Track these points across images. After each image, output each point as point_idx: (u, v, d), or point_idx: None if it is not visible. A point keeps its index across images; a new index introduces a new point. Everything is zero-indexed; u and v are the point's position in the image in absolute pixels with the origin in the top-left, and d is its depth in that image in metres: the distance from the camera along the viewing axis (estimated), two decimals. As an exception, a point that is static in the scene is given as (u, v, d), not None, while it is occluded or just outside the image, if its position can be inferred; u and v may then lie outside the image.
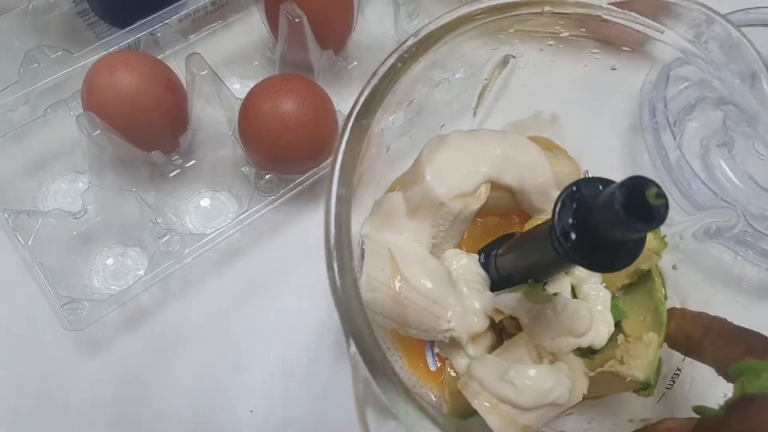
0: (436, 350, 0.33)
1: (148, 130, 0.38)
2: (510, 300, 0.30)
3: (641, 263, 0.34)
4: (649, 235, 0.34)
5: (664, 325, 0.33)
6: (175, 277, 0.39)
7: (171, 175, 0.41)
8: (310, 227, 0.41)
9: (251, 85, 0.44)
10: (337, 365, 0.38)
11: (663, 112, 0.43)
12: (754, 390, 0.24)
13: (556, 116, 0.39)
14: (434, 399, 0.34)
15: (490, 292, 0.32)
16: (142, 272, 0.39)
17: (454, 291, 0.31)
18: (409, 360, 0.34)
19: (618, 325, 0.33)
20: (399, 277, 0.29)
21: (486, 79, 0.36)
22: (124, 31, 0.42)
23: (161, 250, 0.37)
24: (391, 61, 0.26)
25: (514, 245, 0.32)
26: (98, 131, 0.35)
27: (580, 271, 0.34)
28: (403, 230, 0.31)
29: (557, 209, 0.23)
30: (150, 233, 0.38)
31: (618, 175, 0.41)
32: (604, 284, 0.34)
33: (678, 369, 0.33)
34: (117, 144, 0.37)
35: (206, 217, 0.41)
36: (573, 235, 0.23)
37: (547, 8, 0.30)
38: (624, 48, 0.37)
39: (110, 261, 0.40)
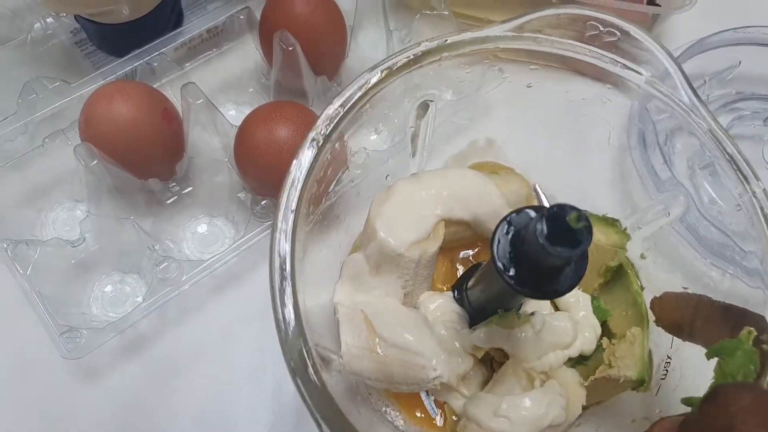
0: (432, 397, 0.33)
1: (145, 158, 0.39)
2: (484, 335, 0.31)
3: (609, 260, 0.34)
4: (610, 230, 0.35)
5: (646, 317, 0.33)
6: (173, 303, 0.39)
7: (168, 202, 0.42)
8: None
9: (246, 111, 0.44)
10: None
11: (652, 131, 0.44)
12: (731, 370, 0.24)
13: (492, 140, 0.41)
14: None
15: (468, 330, 0.32)
16: (140, 299, 0.39)
17: (433, 337, 0.31)
18: (409, 413, 0.34)
19: (604, 324, 0.34)
20: (377, 338, 0.29)
21: (411, 127, 0.37)
22: (121, 60, 0.43)
23: (159, 278, 0.37)
24: (310, 137, 0.29)
25: (478, 278, 0.32)
26: (95, 161, 0.35)
27: None
28: (372, 288, 0.32)
29: (494, 247, 0.24)
30: (148, 260, 0.38)
31: (608, 195, 0.42)
32: (581, 288, 0.35)
33: (668, 357, 0.33)
34: (114, 173, 0.37)
35: (204, 243, 0.42)
36: (513, 270, 0.23)
37: (445, 54, 0.31)
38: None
39: (108, 288, 0.40)
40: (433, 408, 0.34)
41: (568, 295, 0.34)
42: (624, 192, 0.44)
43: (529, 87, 0.41)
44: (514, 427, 0.28)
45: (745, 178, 0.30)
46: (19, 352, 0.38)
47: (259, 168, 0.39)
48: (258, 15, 0.44)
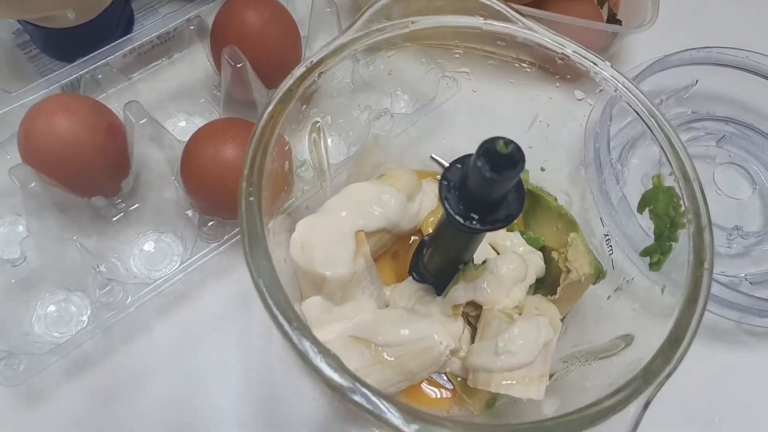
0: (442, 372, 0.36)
1: (89, 176, 0.38)
2: (456, 294, 0.34)
3: None
4: None
5: (574, 220, 0.38)
6: (120, 323, 0.38)
7: (114, 219, 0.41)
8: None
9: (198, 121, 0.44)
10: (292, 405, 0.38)
11: (605, 150, 0.44)
12: (661, 211, 0.30)
13: (377, 135, 0.42)
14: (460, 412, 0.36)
15: (440, 297, 0.35)
16: (85, 318, 0.38)
17: (421, 318, 0.34)
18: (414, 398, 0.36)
19: (544, 248, 0.38)
20: (379, 348, 0.32)
21: (310, 152, 0.37)
22: (65, 69, 0.41)
23: (102, 301, 0.36)
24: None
25: (430, 249, 0.36)
26: (33, 184, 0.34)
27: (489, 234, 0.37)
28: (345, 314, 0.33)
29: (446, 204, 0.27)
30: (93, 279, 0.38)
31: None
32: (506, 230, 0.39)
33: (605, 235, 0.38)
34: (55, 193, 0.36)
35: (151, 261, 0.41)
36: (469, 215, 0.26)
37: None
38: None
39: (52, 308, 0.39)
40: (448, 380, 0.37)
41: (501, 238, 0.39)
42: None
43: (475, 92, 0.41)
44: (518, 357, 0.31)
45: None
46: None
47: (207, 188, 0.38)
48: (210, 24, 0.43)
